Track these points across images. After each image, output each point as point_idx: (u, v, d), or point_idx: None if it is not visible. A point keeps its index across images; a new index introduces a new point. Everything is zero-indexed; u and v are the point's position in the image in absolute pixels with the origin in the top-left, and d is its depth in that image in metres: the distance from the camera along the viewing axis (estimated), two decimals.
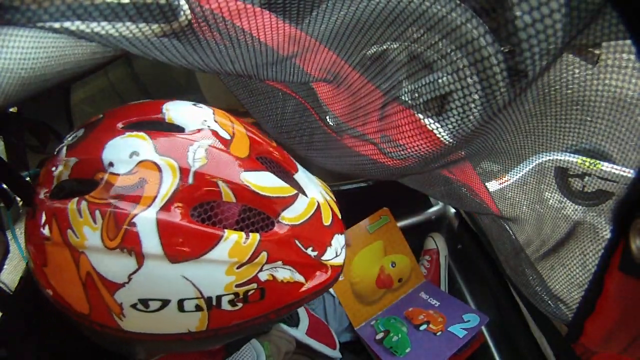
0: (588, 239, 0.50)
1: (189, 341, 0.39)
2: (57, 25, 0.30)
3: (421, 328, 0.84)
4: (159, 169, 0.35)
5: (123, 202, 0.34)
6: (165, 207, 0.34)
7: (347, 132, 0.67)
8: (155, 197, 0.34)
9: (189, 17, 0.41)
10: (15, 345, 0.60)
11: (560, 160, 0.58)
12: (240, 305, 0.37)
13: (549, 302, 0.58)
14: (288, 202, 0.41)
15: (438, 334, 0.82)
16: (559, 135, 0.49)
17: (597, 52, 0.35)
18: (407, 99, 0.47)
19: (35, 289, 0.47)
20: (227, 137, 0.40)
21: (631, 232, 0.35)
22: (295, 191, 0.42)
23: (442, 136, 0.49)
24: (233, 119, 0.45)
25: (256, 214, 0.39)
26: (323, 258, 0.44)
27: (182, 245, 0.34)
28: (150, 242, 0.33)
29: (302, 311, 0.73)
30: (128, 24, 0.33)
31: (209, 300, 0.36)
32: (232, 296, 0.36)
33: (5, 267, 0.59)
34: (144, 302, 0.35)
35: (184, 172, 0.35)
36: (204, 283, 0.35)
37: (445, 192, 0.74)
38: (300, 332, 0.69)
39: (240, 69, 0.50)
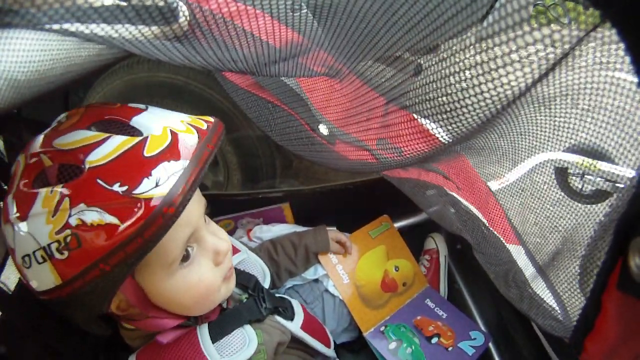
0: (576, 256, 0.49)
1: (65, 298, 0.44)
2: (56, 27, 0.30)
3: (433, 341, 0.85)
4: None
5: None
6: (19, 183, 0.45)
7: (341, 139, 0.67)
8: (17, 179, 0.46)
9: (189, 18, 0.41)
10: (15, 344, 0.60)
11: (559, 160, 0.58)
12: (66, 253, 0.42)
13: (546, 317, 0.58)
14: (93, 147, 0.43)
15: (450, 349, 0.84)
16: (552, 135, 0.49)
17: None
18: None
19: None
20: (64, 120, 0.49)
21: (630, 250, 0.34)
22: (106, 135, 0.44)
23: (442, 136, 0.49)
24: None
25: (67, 167, 0.44)
26: (135, 192, 0.41)
27: (22, 207, 0.44)
28: (12, 210, 0.44)
29: (297, 306, 0.74)
30: (128, 26, 0.33)
31: (44, 249, 0.43)
32: (56, 244, 0.42)
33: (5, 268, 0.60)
34: (22, 259, 0.44)
35: (28, 157, 0.46)
36: (37, 234, 0.43)
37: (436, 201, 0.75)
38: (294, 325, 0.69)
39: (242, 67, 0.50)
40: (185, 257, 0.51)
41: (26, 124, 0.72)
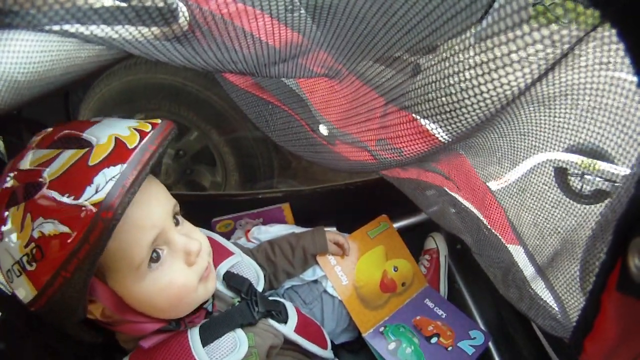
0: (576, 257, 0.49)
1: (45, 307, 0.47)
2: (56, 28, 0.30)
3: (432, 341, 0.85)
4: None
5: None
6: None
7: (341, 139, 0.67)
8: None
9: (188, 18, 0.42)
10: (15, 344, 0.60)
11: (559, 160, 0.58)
12: (34, 265, 0.45)
13: (546, 317, 0.58)
14: (48, 163, 0.46)
15: (449, 349, 0.84)
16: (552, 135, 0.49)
17: None
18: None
19: None
20: (32, 142, 0.52)
21: (629, 251, 0.34)
22: (59, 151, 0.47)
23: (441, 135, 0.49)
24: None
25: (31, 185, 0.46)
26: (79, 201, 0.43)
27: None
28: None
29: (291, 309, 0.74)
30: (127, 26, 0.33)
31: (19, 263, 0.46)
32: (26, 257, 0.45)
33: None
34: (6, 274, 0.47)
35: (2, 181, 0.49)
36: (11, 250, 0.46)
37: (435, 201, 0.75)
38: (288, 329, 0.69)
39: (242, 68, 0.50)
40: (155, 260, 0.52)
41: (26, 124, 0.72)
